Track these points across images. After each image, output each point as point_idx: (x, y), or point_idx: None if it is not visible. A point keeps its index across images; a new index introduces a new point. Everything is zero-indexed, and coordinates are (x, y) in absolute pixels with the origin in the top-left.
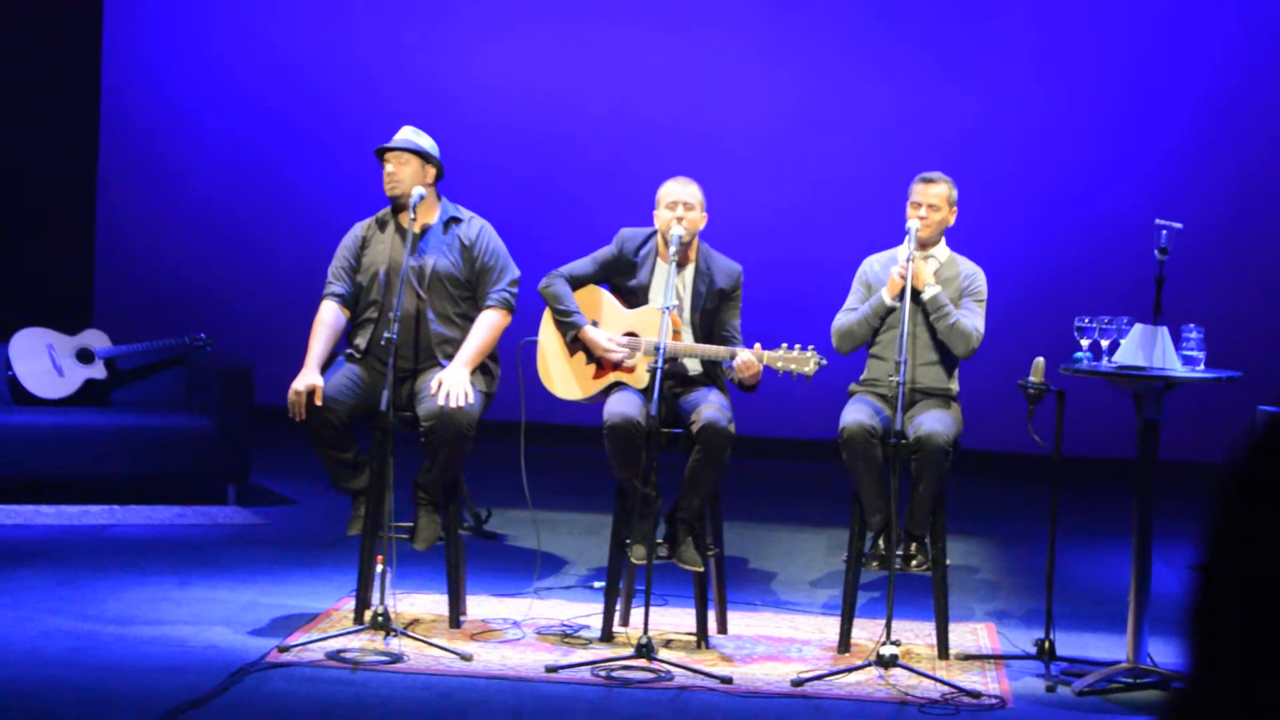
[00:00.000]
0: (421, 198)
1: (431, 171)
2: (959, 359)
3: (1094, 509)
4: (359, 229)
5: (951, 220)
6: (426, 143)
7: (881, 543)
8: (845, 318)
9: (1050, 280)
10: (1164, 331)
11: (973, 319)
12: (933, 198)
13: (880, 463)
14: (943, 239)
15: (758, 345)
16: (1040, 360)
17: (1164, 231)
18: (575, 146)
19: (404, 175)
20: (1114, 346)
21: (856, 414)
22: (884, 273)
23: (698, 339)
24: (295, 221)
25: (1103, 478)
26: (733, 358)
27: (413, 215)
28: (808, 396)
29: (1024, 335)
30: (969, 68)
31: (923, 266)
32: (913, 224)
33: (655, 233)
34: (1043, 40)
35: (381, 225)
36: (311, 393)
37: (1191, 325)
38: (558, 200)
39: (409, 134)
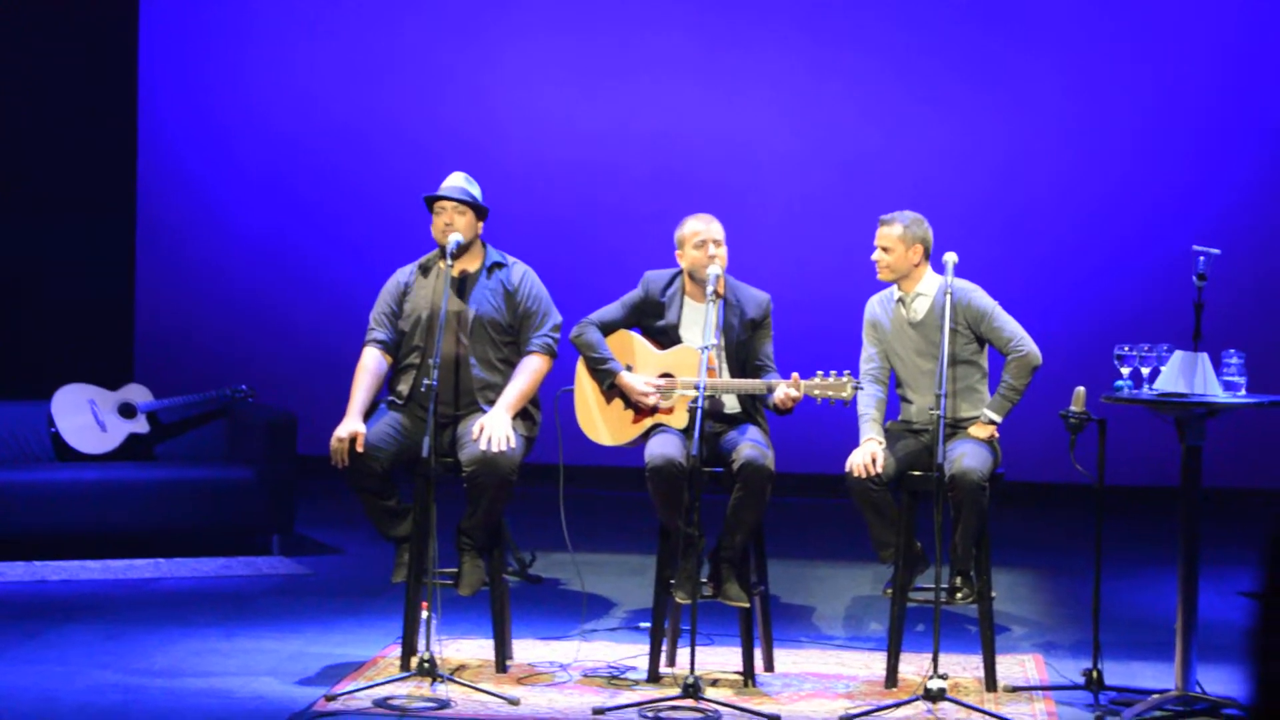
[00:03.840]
0: (458, 244)
1: (480, 221)
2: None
3: (1139, 537)
4: (401, 275)
5: (915, 258)
6: (477, 192)
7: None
8: (860, 407)
9: (1089, 309)
10: (1204, 358)
11: (1014, 344)
12: (884, 239)
13: (885, 505)
14: (924, 272)
15: (795, 375)
16: (1081, 389)
17: (1201, 258)
18: (606, 188)
19: (461, 225)
20: (1154, 374)
21: (857, 456)
22: (883, 313)
23: (733, 371)
24: (335, 270)
25: (1147, 506)
26: (770, 390)
27: (449, 261)
28: (848, 432)
29: (1064, 365)
30: (1004, 97)
31: (976, 428)
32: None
33: (680, 273)
34: (1077, 68)
35: (424, 271)
36: (354, 440)
37: (1232, 351)
38: (580, 246)
39: (463, 183)
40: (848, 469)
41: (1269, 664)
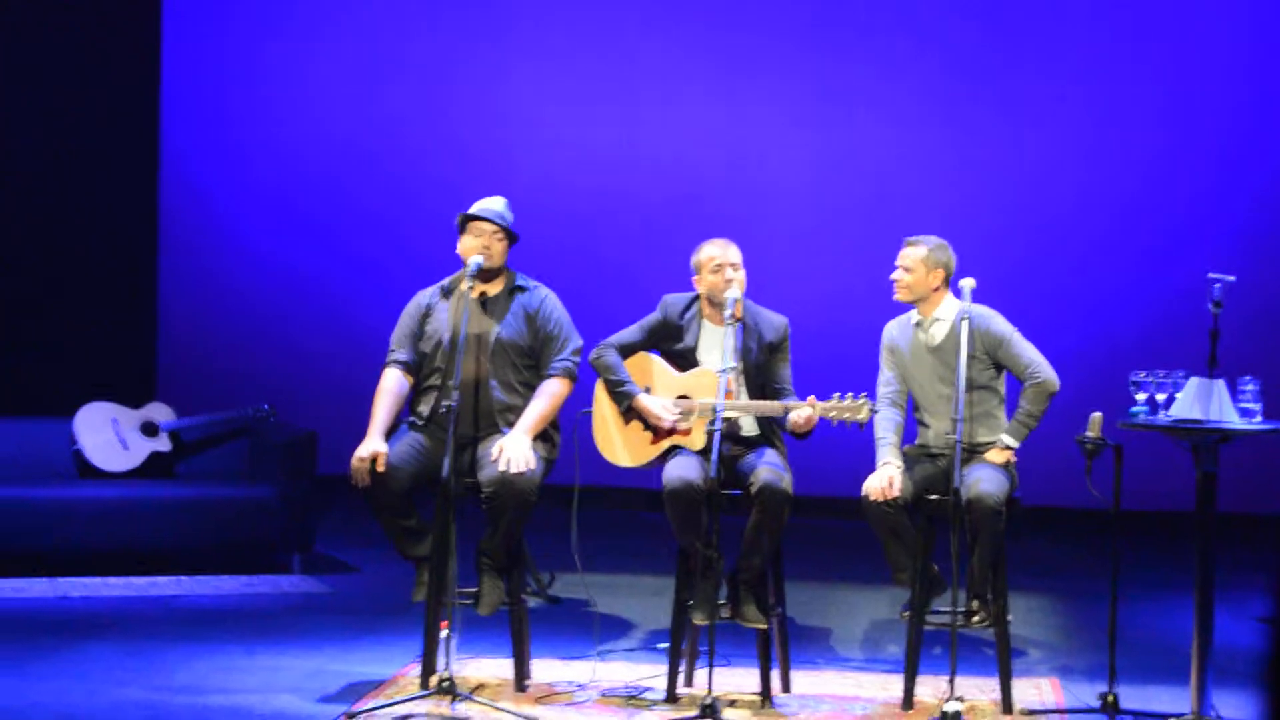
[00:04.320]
0: (479, 266)
1: (509, 248)
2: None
3: (1154, 562)
4: (423, 296)
5: (935, 282)
6: (512, 217)
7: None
8: (877, 430)
9: (1105, 334)
10: (1220, 384)
11: (1031, 370)
12: (907, 260)
13: (901, 527)
14: (943, 297)
15: (811, 398)
16: (1097, 415)
17: (1217, 285)
18: (621, 210)
19: (497, 250)
20: (1170, 400)
21: (874, 480)
22: (901, 337)
23: (751, 394)
24: (355, 292)
25: (1162, 531)
26: (787, 412)
27: (469, 284)
28: (865, 455)
29: (1080, 389)
30: (1021, 121)
31: (993, 454)
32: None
33: (697, 297)
34: (1093, 91)
35: (446, 293)
36: (375, 459)
37: (1248, 377)
38: (598, 269)
39: (502, 208)
40: (864, 492)
41: None
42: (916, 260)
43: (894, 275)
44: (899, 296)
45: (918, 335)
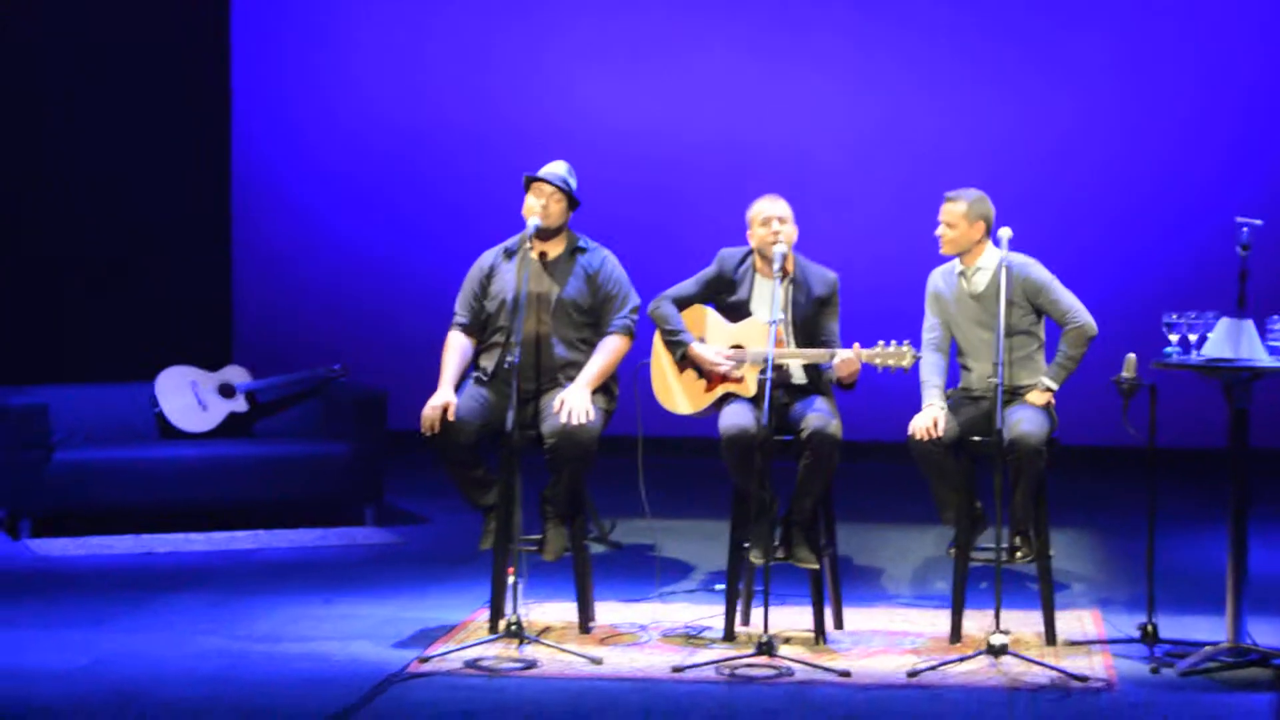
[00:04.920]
0: (538, 226)
1: (570, 211)
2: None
3: (1189, 497)
4: (487, 259)
5: (977, 234)
6: (575, 184)
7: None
8: (922, 374)
9: (1139, 279)
10: (1249, 324)
11: (1070, 315)
12: (949, 215)
13: (946, 466)
14: (985, 246)
15: (856, 345)
16: (1132, 356)
17: (1245, 228)
18: (671, 175)
19: (555, 211)
20: (1202, 340)
21: (920, 420)
22: (945, 286)
23: (799, 345)
24: (418, 256)
25: (1197, 467)
26: (832, 358)
27: (528, 245)
28: (911, 399)
29: (1115, 332)
30: (1057, 76)
31: (1034, 396)
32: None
33: (751, 251)
34: (1125, 46)
35: (509, 254)
36: (445, 410)
37: (1276, 317)
38: (657, 224)
39: (564, 171)
40: (910, 432)
41: None
42: (958, 215)
43: (938, 231)
44: (945, 250)
45: (961, 283)
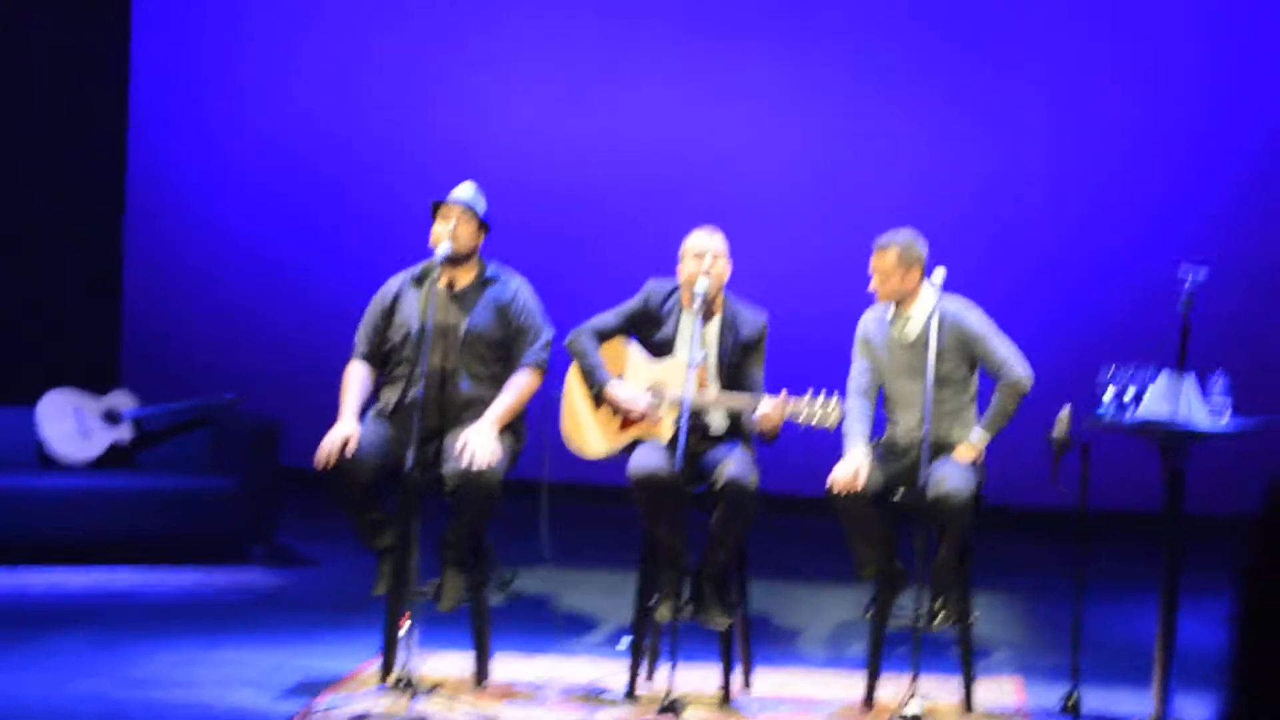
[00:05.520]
0: (447, 253)
1: (482, 233)
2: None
3: (1121, 562)
4: (392, 285)
5: (912, 282)
6: (484, 206)
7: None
8: (846, 421)
9: (1074, 324)
10: (1190, 381)
11: (1005, 369)
12: (879, 265)
13: (867, 519)
14: (921, 291)
15: (784, 391)
16: (1065, 413)
17: (1188, 280)
18: (603, 199)
19: (464, 234)
20: (1140, 394)
21: (841, 469)
22: (876, 331)
23: (724, 389)
24: (323, 278)
25: (1130, 530)
26: (755, 409)
27: (436, 274)
28: (833, 453)
29: (1049, 381)
30: (991, 113)
31: (961, 451)
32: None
33: (679, 285)
34: (1062, 84)
35: (418, 281)
36: (345, 442)
37: (1219, 373)
38: (586, 253)
39: (472, 194)
40: (830, 482)
41: (1243, 685)
42: (889, 265)
43: (871, 286)
44: (882, 299)
45: (892, 331)
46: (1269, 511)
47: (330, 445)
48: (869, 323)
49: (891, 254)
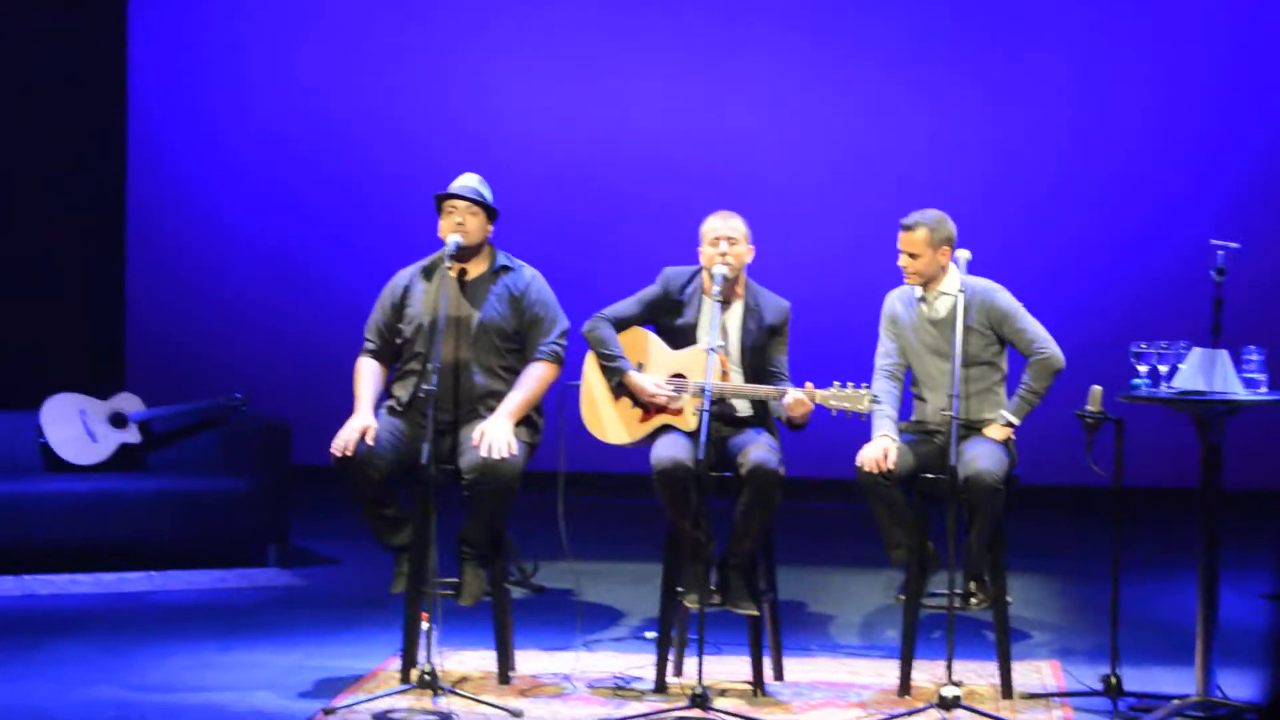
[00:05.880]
0: (458, 245)
1: (490, 224)
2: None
3: (1158, 540)
4: (402, 278)
5: (943, 260)
6: (489, 194)
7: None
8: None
9: (1104, 305)
10: (1224, 354)
11: (1036, 346)
12: (910, 244)
13: (896, 501)
14: (949, 270)
15: (809, 384)
16: (1097, 388)
17: (1220, 252)
18: (617, 187)
19: (473, 227)
20: (1173, 371)
21: (869, 450)
22: (903, 310)
23: (746, 378)
24: (330, 274)
25: (1166, 507)
26: (782, 397)
27: (447, 264)
28: (860, 436)
29: (1080, 363)
30: (1018, 96)
31: (993, 430)
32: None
33: (700, 270)
34: (1087, 62)
35: (428, 274)
36: (364, 433)
37: (1252, 347)
38: (601, 241)
39: (476, 184)
40: (858, 464)
41: None
42: (919, 243)
43: (901, 263)
44: (910, 281)
45: (921, 309)
46: None
47: (349, 435)
48: (895, 302)
49: (921, 233)
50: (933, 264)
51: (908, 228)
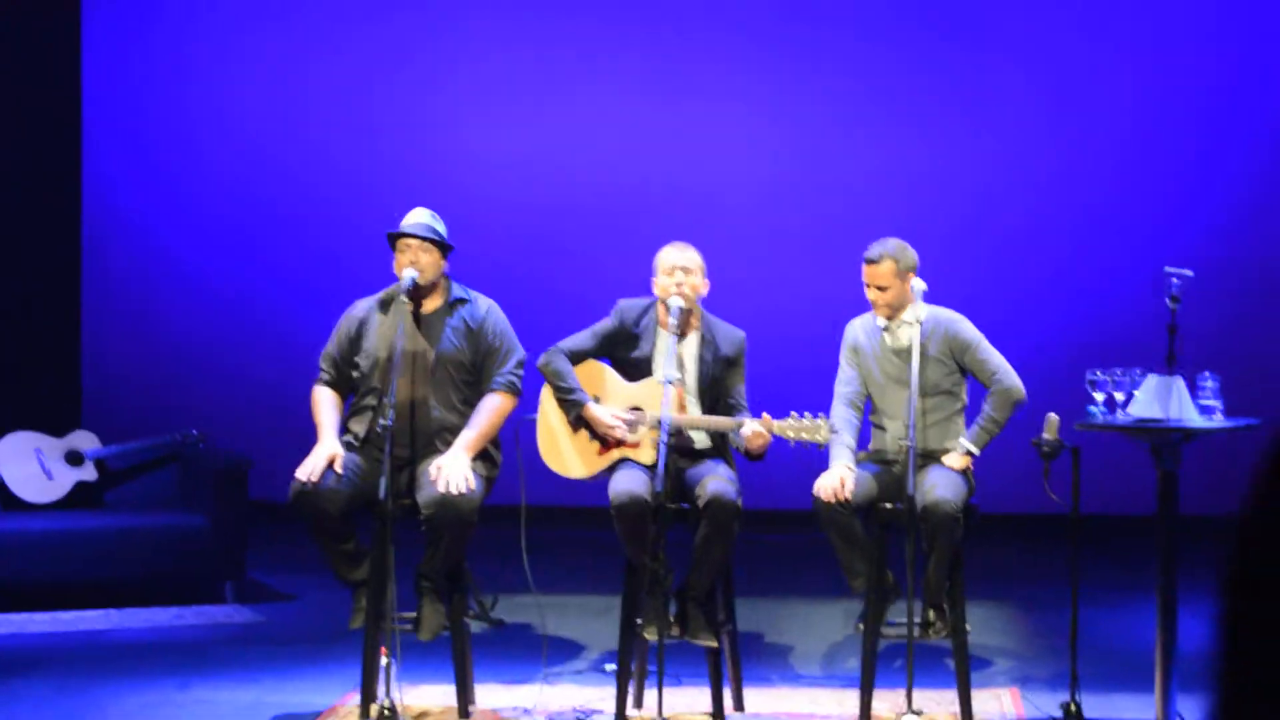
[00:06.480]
0: (413, 281)
1: (444, 258)
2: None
3: (1116, 567)
4: (358, 309)
5: (908, 288)
6: (442, 229)
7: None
8: (832, 437)
9: (1061, 334)
10: (1179, 381)
11: (997, 377)
12: (878, 278)
13: (853, 530)
14: (914, 300)
15: (766, 415)
16: (1054, 416)
17: (1174, 279)
18: (569, 218)
19: (427, 263)
20: (1129, 399)
21: (826, 479)
22: (865, 339)
23: (704, 409)
24: (285, 311)
25: (1123, 534)
26: (739, 429)
27: (403, 300)
28: (817, 467)
29: (1036, 391)
30: (977, 122)
31: (951, 458)
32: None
33: (655, 302)
34: (1051, 93)
35: (384, 307)
36: (331, 461)
37: (1207, 374)
38: (554, 275)
39: (428, 219)
40: (815, 493)
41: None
42: (886, 275)
43: (870, 297)
44: (881, 314)
45: (884, 338)
46: (1252, 508)
47: (316, 463)
48: (858, 331)
49: (887, 265)
50: (901, 294)
51: (872, 261)
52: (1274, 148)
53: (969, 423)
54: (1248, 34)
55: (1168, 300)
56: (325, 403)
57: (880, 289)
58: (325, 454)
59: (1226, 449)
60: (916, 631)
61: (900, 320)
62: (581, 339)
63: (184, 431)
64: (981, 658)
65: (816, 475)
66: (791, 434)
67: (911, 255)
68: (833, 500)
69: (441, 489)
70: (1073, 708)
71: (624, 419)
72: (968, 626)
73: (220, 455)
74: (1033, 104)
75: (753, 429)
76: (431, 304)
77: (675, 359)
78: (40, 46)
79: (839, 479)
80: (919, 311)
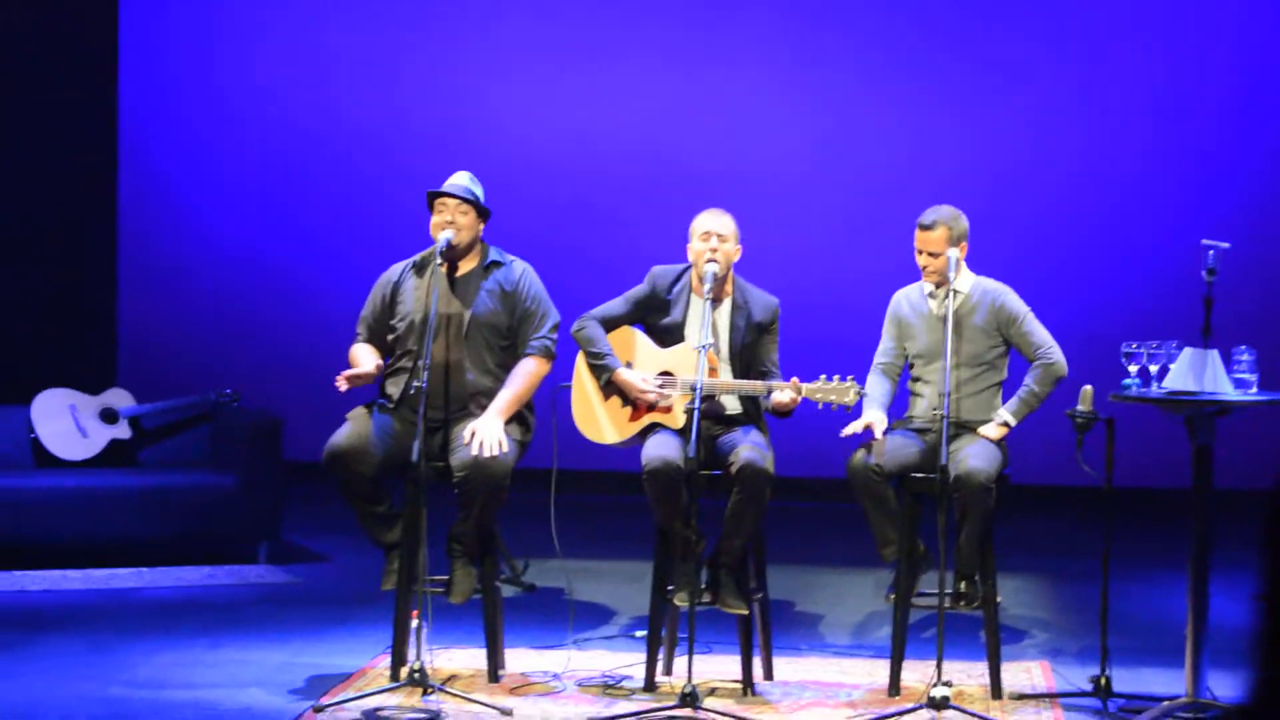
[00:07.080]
0: (448, 241)
1: (482, 220)
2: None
3: (1148, 540)
4: (393, 272)
5: (960, 254)
6: (480, 192)
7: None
8: (869, 389)
9: (1097, 306)
10: (1214, 354)
11: (1041, 351)
12: (931, 245)
13: (886, 497)
14: (961, 268)
15: (795, 379)
16: (1088, 388)
17: (1211, 252)
18: (605, 185)
19: (464, 224)
20: (1163, 371)
21: (855, 425)
22: (911, 308)
23: (736, 374)
24: (320, 271)
25: (1157, 508)
26: (769, 392)
27: (438, 261)
28: (852, 437)
29: (1071, 363)
30: (1014, 96)
31: (989, 428)
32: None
33: (689, 268)
34: (1086, 65)
35: (419, 269)
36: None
37: (1243, 347)
38: (589, 241)
39: (467, 181)
40: (844, 435)
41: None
42: (939, 242)
43: (921, 263)
44: (931, 280)
45: (932, 305)
46: None
47: (355, 372)
48: (903, 301)
49: (940, 231)
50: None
51: (926, 227)
52: None
53: (1007, 398)
54: None
55: (1204, 273)
56: (362, 347)
57: (933, 255)
58: (371, 366)
59: (1262, 423)
60: (947, 602)
61: (947, 290)
62: (614, 305)
63: (218, 391)
64: (1012, 630)
65: (849, 444)
66: (820, 396)
67: (963, 223)
68: (860, 443)
69: (474, 452)
70: (1103, 681)
71: (654, 384)
72: (999, 598)
73: (254, 415)
74: (1068, 76)
75: (781, 395)
76: (466, 266)
77: (709, 325)
78: (78, 15)
79: (867, 423)
80: (966, 281)
